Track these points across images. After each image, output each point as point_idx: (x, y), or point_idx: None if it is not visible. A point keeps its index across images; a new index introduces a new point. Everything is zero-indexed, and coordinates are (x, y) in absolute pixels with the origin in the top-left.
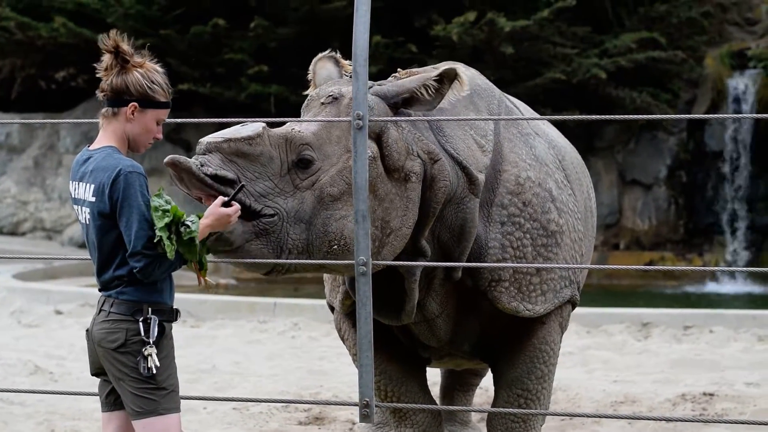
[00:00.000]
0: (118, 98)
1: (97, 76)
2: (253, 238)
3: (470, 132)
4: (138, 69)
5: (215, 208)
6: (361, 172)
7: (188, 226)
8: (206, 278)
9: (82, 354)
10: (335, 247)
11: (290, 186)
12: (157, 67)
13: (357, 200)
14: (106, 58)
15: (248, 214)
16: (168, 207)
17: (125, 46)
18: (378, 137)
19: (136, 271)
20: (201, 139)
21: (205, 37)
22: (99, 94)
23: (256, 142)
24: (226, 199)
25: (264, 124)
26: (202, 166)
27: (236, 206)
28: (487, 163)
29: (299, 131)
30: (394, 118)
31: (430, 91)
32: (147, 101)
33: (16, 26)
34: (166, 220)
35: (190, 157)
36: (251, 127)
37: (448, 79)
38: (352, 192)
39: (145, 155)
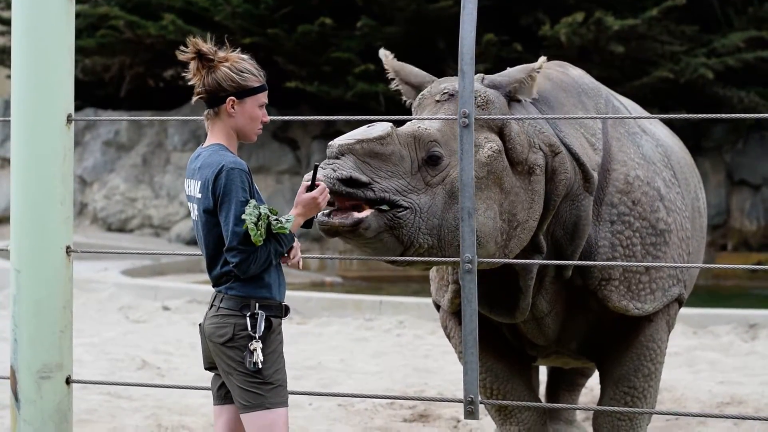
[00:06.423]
0: (215, 97)
1: (189, 83)
2: (385, 230)
3: (581, 131)
4: (224, 64)
5: (301, 195)
6: (467, 170)
7: (280, 221)
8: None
9: (189, 350)
10: None
11: (422, 183)
12: (242, 56)
13: (463, 197)
14: (192, 65)
15: (383, 204)
16: (264, 204)
17: (205, 47)
18: (500, 131)
19: (232, 266)
20: (331, 142)
21: (312, 35)
22: (195, 99)
23: (387, 141)
24: (308, 184)
25: (391, 123)
26: (334, 171)
27: (321, 186)
28: (599, 161)
29: (426, 128)
30: (500, 116)
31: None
32: (242, 91)
33: (124, 25)
34: (257, 211)
35: (297, 155)
36: (380, 126)
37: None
38: (481, 186)
39: (251, 153)
